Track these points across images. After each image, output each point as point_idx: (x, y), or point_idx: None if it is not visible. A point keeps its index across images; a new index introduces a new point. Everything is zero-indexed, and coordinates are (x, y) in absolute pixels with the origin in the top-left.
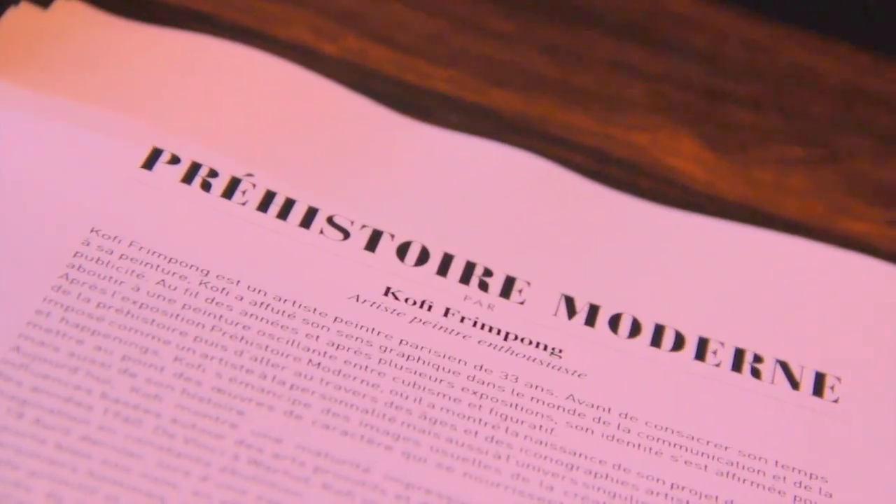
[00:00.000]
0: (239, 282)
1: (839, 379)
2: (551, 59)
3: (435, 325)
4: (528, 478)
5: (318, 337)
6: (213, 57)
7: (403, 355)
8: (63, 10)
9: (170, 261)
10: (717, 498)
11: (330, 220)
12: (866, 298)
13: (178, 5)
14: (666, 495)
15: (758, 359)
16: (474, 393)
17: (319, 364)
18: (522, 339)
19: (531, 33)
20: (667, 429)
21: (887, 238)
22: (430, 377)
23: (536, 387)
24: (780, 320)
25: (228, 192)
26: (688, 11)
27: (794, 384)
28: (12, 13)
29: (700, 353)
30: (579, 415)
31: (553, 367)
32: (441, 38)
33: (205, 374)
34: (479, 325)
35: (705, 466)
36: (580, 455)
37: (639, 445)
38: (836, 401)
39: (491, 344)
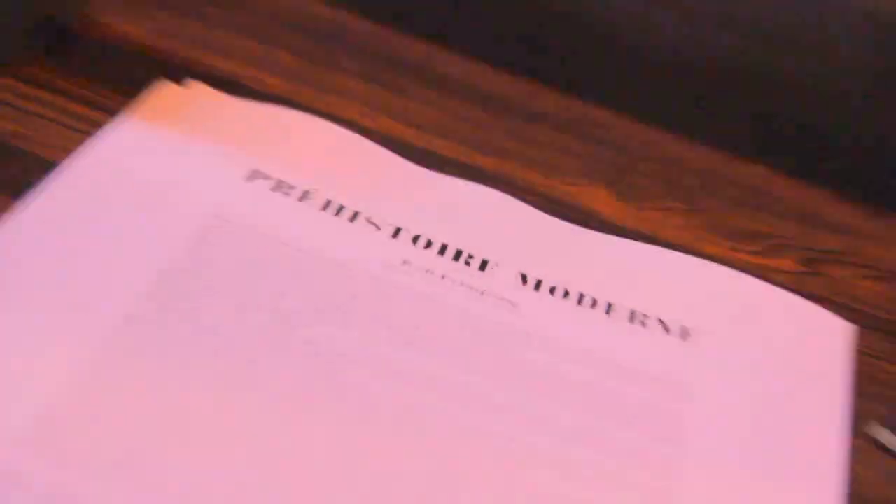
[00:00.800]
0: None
1: (690, 331)
2: (516, 140)
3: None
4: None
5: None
6: (289, 119)
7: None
8: (191, 86)
9: (261, 235)
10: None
11: (367, 219)
12: (710, 282)
13: (262, 91)
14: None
15: (645, 316)
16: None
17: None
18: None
19: (503, 123)
20: (588, 350)
21: (729, 257)
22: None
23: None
24: (661, 293)
25: (302, 198)
26: (605, 119)
27: (667, 330)
28: (159, 85)
29: (608, 311)
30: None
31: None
32: (443, 124)
33: None
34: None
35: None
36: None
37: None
38: (688, 334)
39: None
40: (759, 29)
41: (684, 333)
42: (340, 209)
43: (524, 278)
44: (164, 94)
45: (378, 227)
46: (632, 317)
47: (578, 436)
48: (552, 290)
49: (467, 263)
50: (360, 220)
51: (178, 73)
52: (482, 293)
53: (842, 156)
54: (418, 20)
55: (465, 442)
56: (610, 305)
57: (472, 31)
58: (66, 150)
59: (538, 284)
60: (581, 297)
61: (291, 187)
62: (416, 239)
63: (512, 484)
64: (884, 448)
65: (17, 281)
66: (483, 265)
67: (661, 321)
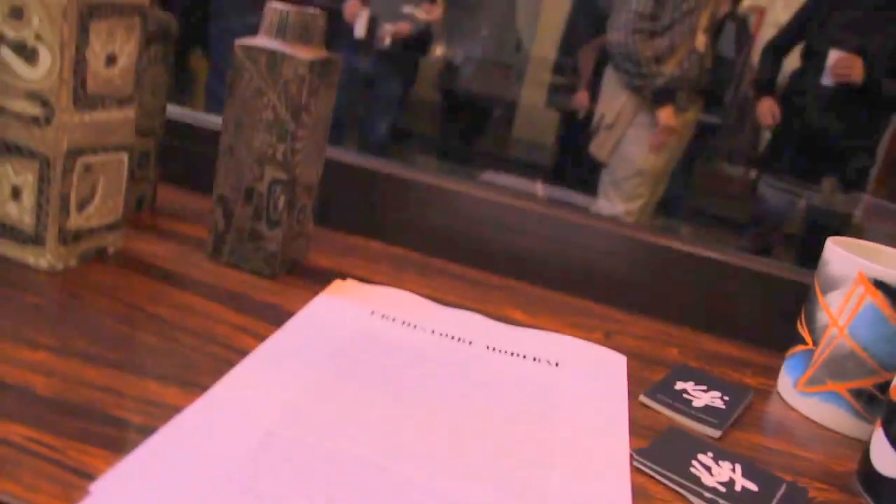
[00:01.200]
0: (400, 342)
1: (557, 363)
2: (480, 296)
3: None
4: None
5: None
6: (389, 291)
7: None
8: (348, 282)
9: (378, 336)
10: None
11: (421, 327)
12: (571, 344)
13: (376, 281)
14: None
15: (535, 358)
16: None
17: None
18: (471, 343)
19: (478, 291)
20: (513, 372)
21: (576, 334)
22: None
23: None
24: (550, 349)
25: (407, 325)
26: (504, 282)
27: (550, 363)
28: (336, 282)
29: (524, 357)
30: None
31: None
32: (452, 291)
33: None
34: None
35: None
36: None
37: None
38: (557, 364)
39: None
40: None
41: (557, 364)
42: (411, 324)
43: (487, 346)
44: (338, 285)
45: (426, 330)
46: (535, 359)
47: (511, 406)
48: (495, 349)
49: (460, 341)
50: (419, 328)
51: (344, 276)
52: (467, 353)
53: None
54: (436, 249)
55: (457, 411)
56: (524, 356)
57: (464, 248)
58: (298, 306)
59: (492, 349)
60: (511, 353)
61: (391, 318)
62: (442, 333)
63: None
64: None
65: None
66: (469, 342)
67: (548, 360)
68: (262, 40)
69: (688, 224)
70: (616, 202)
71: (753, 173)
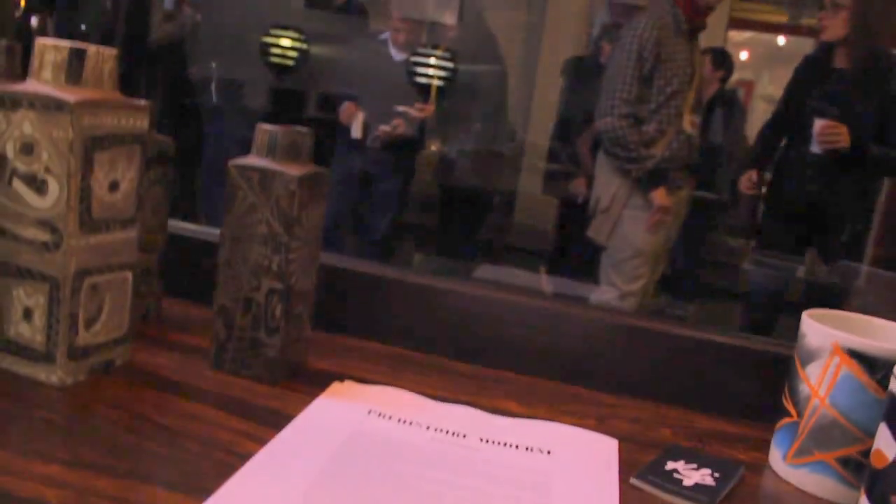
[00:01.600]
0: (399, 438)
1: (549, 451)
2: (475, 391)
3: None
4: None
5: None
6: (384, 390)
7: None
8: (346, 383)
9: (375, 435)
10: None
11: (418, 423)
12: (561, 431)
13: (373, 381)
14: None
15: (528, 448)
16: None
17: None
18: (465, 436)
19: (469, 384)
20: (507, 461)
21: (566, 420)
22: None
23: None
24: (543, 438)
25: (403, 422)
26: (503, 376)
27: (542, 452)
28: (335, 384)
29: (516, 447)
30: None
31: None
32: (443, 387)
33: None
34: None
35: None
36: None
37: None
38: (549, 452)
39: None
40: None
41: (549, 452)
42: (407, 421)
43: (481, 439)
44: (337, 387)
45: (422, 426)
46: (527, 448)
47: (505, 497)
48: (488, 441)
49: (454, 435)
50: (415, 424)
51: (343, 378)
52: (462, 446)
53: None
54: (433, 346)
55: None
56: (517, 446)
57: (460, 344)
58: (299, 409)
59: (486, 440)
60: (504, 443)
61: (388, 416)
62: (438, 429)
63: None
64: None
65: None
66: (463, 436)
67: (540, 449)
68: (253, 159)
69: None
70: (618, 284)
71: (752, 245)
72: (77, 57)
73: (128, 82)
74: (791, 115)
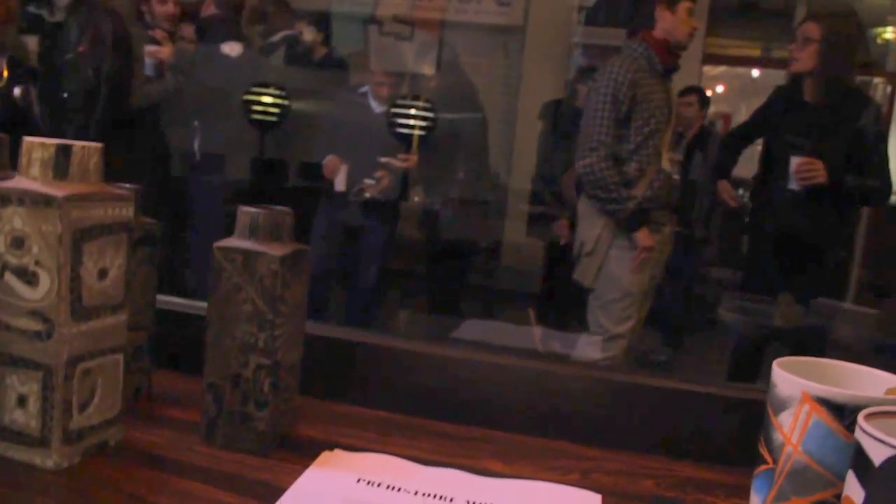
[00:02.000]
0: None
1: None
2: (461, 452)
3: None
4: None
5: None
6: (371, 457)
7: None
8: (336, 452)
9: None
10: None
11: (406, 490)
12: (548, 489)
13: (364, 448)
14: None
15: None
16: None
17: None
18: (452, 500)
19: (453, 447)
20: None
21: (555, 479)
22: None
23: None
24: (514, 493)
25: (392, 489)
26: (484, 434)
27: None
28: (325, 454)
29: None
30: None
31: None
32: (431, 450)
33: None
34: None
35: None
36: None
37: None
38: None
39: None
40: None
41: None
42: (395, 488)
43: (467, 501)
44: (326, 456)
45: (409, 492)
46: None
47: None
48: (474, 503)
49: (441, 499)
50: (403, 491)
51: (332, 446)
52: None
53: None
54: (418, 409)
55: None
56: None
57: (445, 405)
58: (290, 481)
59: (472, 503)
60: None
61: (376, 483)
62: (425, 494)
63: None
64: None
65: None
66: (450, 499)
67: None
68: (236, 241)
69: (683, 334)
70: (606, 326)
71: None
72: (63, 153)
73: (111, 145)
74: (753, 135)
